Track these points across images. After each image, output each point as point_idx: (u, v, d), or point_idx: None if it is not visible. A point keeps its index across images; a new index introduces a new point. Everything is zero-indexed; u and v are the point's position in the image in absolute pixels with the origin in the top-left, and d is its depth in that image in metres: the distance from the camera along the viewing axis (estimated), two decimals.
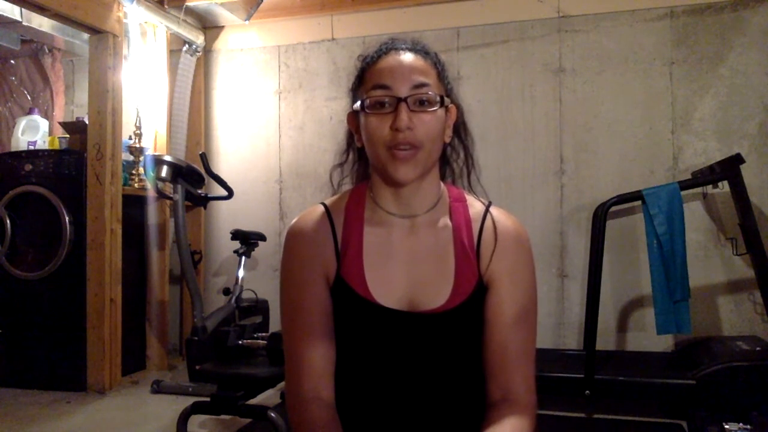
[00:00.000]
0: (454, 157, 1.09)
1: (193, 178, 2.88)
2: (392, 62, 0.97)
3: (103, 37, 3.19)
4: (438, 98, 0.96)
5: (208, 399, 2.27)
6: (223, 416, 2.44)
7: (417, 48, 1.00)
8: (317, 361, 0.98)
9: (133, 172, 3.46)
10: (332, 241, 1.01)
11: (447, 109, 1.00)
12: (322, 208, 1.05)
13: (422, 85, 0.95)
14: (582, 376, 2.60)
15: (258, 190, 3.80)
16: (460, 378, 1.00)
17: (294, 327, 1.00)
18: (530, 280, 1.02)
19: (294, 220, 1.06)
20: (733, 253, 2.93)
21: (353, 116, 1.03)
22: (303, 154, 3.74)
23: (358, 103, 0.98)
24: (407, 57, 0.98)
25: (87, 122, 3.26)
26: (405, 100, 0.94)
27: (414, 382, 0.98)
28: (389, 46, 1.00)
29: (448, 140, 1.03)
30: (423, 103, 0.95)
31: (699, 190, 3.01)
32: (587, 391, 2.59)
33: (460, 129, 1.07)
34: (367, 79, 0.99)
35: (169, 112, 3.65)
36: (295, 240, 1.03)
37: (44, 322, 3.22)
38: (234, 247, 3.17)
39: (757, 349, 2.62)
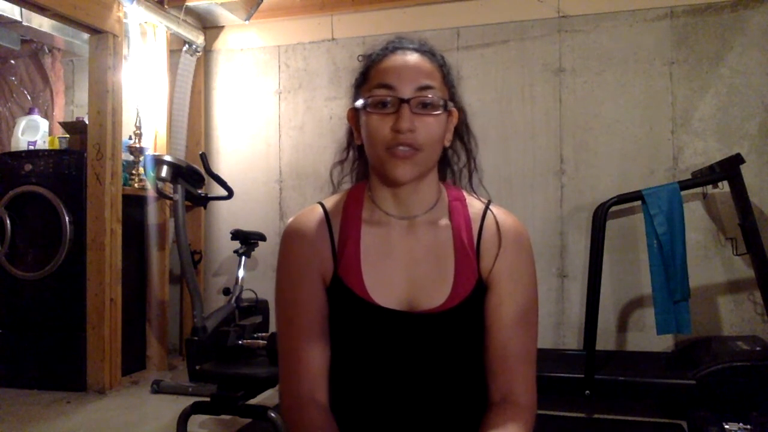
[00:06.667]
0: (455, 160, 1.08)
1: (193, 178, 2.88)
2: (398, 62, 0.96)
3: (103, 37, 3.19)
4: (441, 102, 0.95)
5: (208, 399, 2.27)
6: (223, 416, 2.44)
7: (424, 49, 0.99)
8: (313, 363, 0.97)
9: (133, 172, 3.46)
10: (329, 241, 1.01)
11: (449, 112, 0.99)
12: (319, 208, 1.04)
13: (426, 87, 0.94)
14: (582, 376, 2.60)
15: (258, 190, 3.80)
16: (460, 378, 0.99)
17: (289, 328, 1.00)
18: (531, 280, 1.01)
19: (291, 220, 1.05)
20: (733, 253, 2.93)
21: (353, 113, 1.03)
22: (303, 154, 3.74)
23: (361, 101, 0.97)
24: (413, 57, 0.97)
25: (87, 122, 3.26)
26: (408, 101, 0.93)
27: (413, 382, 0.97)
28: (396, 45, 0.99)
29: (447, 144, 1.02)
30: (426, 106, 0.94)
31: (699, 190, 3.01)
32: (587, 391, 2.59)
33: (463, 132, 1.06)
34: (372, 76, 0.98)
35: (169, 112, 3.65)
36: (291, 240, 1.02)
37: (44, 322, 3.22)
38: (234, 247, 3.17)
39: (757, 349, 2.62)
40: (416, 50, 0.98)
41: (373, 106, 0.95)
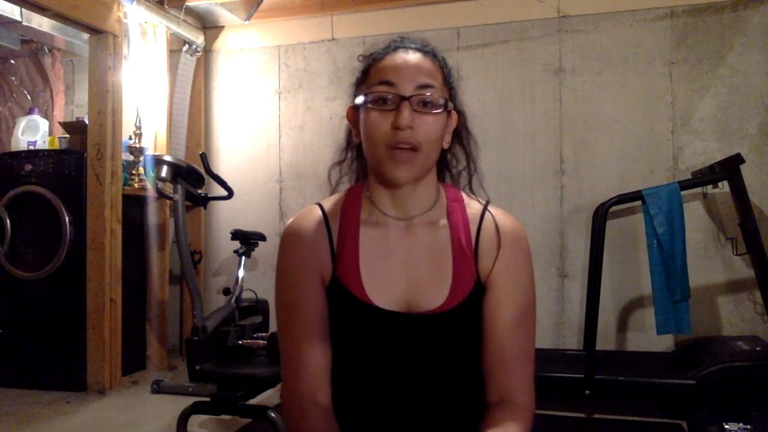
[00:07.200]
0: (454, 163, 1.08)
1: (193, 178, 2.88)
2: (399, 60, 0.96)
3: (103, 37, 3.19)
4: (442, 101, 0.95)
5: (208, 399, 2.27)
6: (223, 416, 2.44)
7: (426, 49, 0.99)
8: (314, 364, 0.97)
9: (133, 172, 3.46)
10: (327, 242, 1.01)
11: (449, 114, 0.99)
12: (317, 210, 1.04)
13: (427, 86, 0.94)
14: (582, 376, 2.60)
15: (258, 190, 3.80)
16: (458, 379, 1.00)
17: (290, 329, 1.00)
18: (529, 281, 1.01)
19: (289, 221, 1.05)
20: (733, 253, 2.93)
21: (353, 111, 1.03)
22: (303, 154, 3.74)
23: (361, 98, 0.97)
24: (415, 56, 0.97)
25: (87, 122, 3.26)
26: (409, 99, 0.93)
27: (412, 383, 0.97)
28: (398, 44, 0.99)
29: (446, 146, 1.02)
30: (426, 105, 0.94)
31: (699, 190, 3.01)
32: (587, 391, 2.59)
33: (462, 134, 1.06)
34: (373, 74, 0.98)
35: (169, 112, 3.65)
36: (290, 241, 1.02)
37: (44, 322, 3.22)
38: (234, 247, 3.17)
39: (757, 349, 2.62)
40: (418, 50, 0.98)
41: (373, 103, 0.95)
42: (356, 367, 0.99)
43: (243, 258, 3.12)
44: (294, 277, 1.00)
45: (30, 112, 3.94)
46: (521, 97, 3.36)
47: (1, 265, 3.27)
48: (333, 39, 3.71)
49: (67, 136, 3.54)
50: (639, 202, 2.79)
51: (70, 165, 3.21)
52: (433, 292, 0.96)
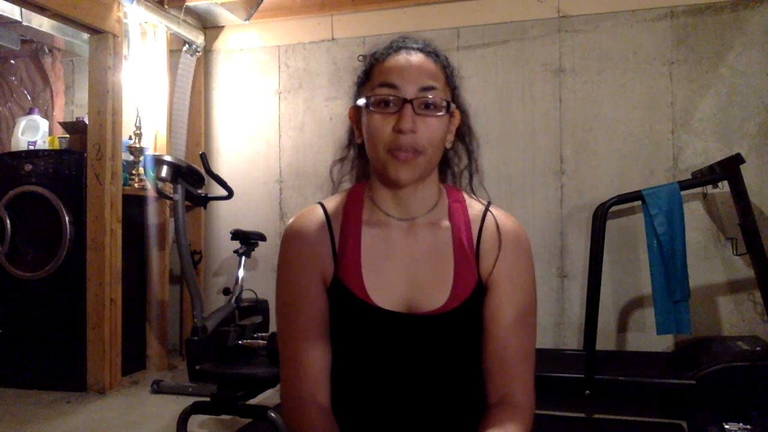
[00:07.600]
0: (456, 161, 1.07)
1: (193, 178, 2.89)
2: (401, 61, 0.95)
3: (103, 37, 3.19)
4: (444, 104, 0.95)
5: (208, 399, 2.27)
6: (223, 416, 2.44)
7: (428, 49, 0.98)
8: (314, 364, 0.97)
9: (133, 172, 3.46)
10: (329, 242, 1.00)
11: (451, 113, 0.99)
12: (319, 209, 1.04)
13: (430, 88, 0.94)
14: (582, 376, 2.60)
15: (258, 190, 3.80)
16: (459, 380, 0.99)
17: (290, 329, 0.99)
18: (530, 282, 1.01)
19: (291, 221, 1.05)
20: (733, 253, 2.93)
21: (355, 111, 1.02)
22: (303, 154, 3.74)
23: (363, 100, 0.97)
24: (417, 57, 0.96)
25: (87, 122, 3.26)
26: (411, 102, 0.92)
27: (412, 384, 0.97)
28: (399, 45, 0.98)
29: (449, 146, 1.02)
30: (429, 107, 0.94)
31: (699, 190, 3.01)
32: (587, 391, 2.59)
33: (464, 133, 1.05)
34: (375, 75, 0.97)
35: (169, 112, 3.65)
36: (292, 241, 1.02)
37: (44, 322, 3.21)
38: (234, 247, 3.17)
39: (757, 349, 2.62)
40: (420, 50, 0.97)
41: (375, 105, 0.94)
42: (357, 368, 0.99)
43: (243, 258, 3.12)
44: (295, 277, 1.00)
45: (30, 112, 3.94)
46: (521, 97, 3.36)
47: (1, 265, 3.27)
48: (333, 39, 3.71)
49: (67, 136, 3.54)
50: (639, 202, 2.79)
51: (70, 165, 3.21)
52: (435, 293, 0.96)
